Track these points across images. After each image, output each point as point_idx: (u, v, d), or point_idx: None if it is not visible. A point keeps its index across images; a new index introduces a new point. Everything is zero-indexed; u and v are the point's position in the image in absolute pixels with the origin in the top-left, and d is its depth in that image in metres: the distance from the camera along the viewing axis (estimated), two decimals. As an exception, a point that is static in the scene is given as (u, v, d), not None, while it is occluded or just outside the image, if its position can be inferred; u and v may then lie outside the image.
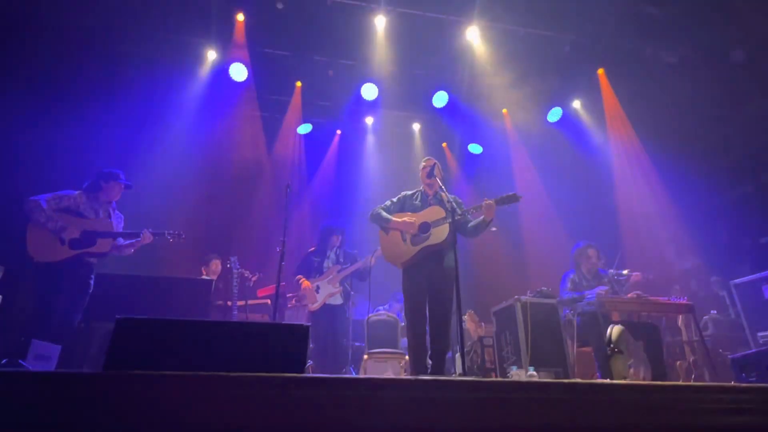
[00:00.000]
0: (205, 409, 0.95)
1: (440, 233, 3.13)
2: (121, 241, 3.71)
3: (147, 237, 3.67)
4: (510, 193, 3.09)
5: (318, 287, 4.43)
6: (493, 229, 3.24)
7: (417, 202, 3.42)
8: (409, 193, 3.53)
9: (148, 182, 5.60)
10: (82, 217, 3.49)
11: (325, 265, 4.56)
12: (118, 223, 3.73)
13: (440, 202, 3.28)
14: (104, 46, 5.40)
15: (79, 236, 3.40)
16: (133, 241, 3.69)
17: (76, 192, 3.55)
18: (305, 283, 4.44)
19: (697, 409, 1.18)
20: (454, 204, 3.04)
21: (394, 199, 3.52)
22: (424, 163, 3.48)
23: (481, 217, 3.16)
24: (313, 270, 4.55)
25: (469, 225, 3.27)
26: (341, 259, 4.59)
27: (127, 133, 5.79)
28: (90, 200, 3.57)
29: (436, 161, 3.45)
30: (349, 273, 4.50)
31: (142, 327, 1.38)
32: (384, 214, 3.38)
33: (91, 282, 3.53)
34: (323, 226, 4.77)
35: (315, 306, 4.37)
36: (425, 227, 3.22)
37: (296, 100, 6.55)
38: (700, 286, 5.91)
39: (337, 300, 4.45)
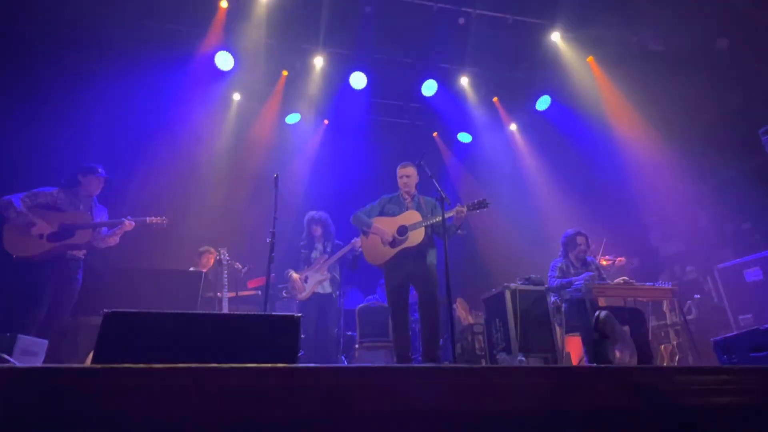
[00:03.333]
0: (195, 402, 0.95)
1: (417, 236, 3.33)
2: (105, 231, 3.66)
3: (128, 224, 3.63)
4: (480, 200, 3.32)
5: (306, 278, 4.42)
6: (462, 233, 3.44)
7: (395, 206, 3.59)
8: (387, 197, 3.70)
9: (134, 175, 5.52)
10: (60, 211, 3.47)
11: (313, 255, 4.54)
12: (99, 216, 3.68)
13: (417, 206, 3.50)
14: (88, 37, 5.24)
15: (57, 229, 3.38)
16: (116, 229, 3.65)
17: (54, 189, 3.52)
18: (294, 275, 4.44)
19: (681, 391, 1.21)
20: (430, 208, 3.37)
21: (375, 203, 3.68)
22: (401, 171, 3.65)
23: (452, 222, 3.32)
24: (301, 262, 4.54)
25: (442, 229, 3.40)
26: (329, 249, 4.58)
27: (111, 126, 5.65)
28: (69, 195, 3.54)
29: (413, 166, 3.62)
30: (337, 259, 4.49)
31: (131, 320, 1.37)
32: (365, 218, 3.54)
33: (79, 278, 3.49)
34: (306, 217, 4.72)
35: (303, 296, 4.36)
36: (402, 230, 3.40)
37: (279, 88, 6.44)
38: (683, 272, 6.04)
39: (326, 288, 4.44)
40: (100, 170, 3.67)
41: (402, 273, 3.34)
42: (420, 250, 3.33)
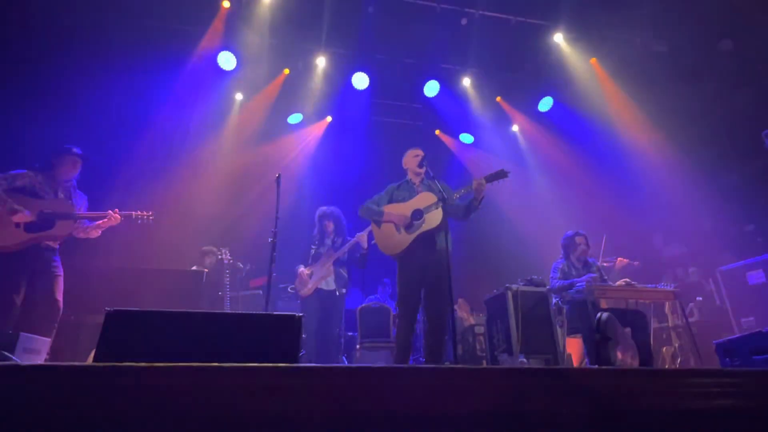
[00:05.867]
0: (196, 400, 0.95)
1: (434, 218, 3.13)
2: (86, 222, 3.45)
3: (113, 217, 3.40)
4: (498, 170, 3.12)
5: (312, 273, 4.32)
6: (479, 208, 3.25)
7: (404, 192, 3.42)
8: (395, 185, 3.53)
9: (135, 174, 5.53)
10: (39, 197, 3.20)
11: (321, 251, 4.44)
12: (80, 204, 3.46)
13: (429, 188, 3.31)
14: (89, 35, 5.25)
15: (35, 218, 3.10)
16: (100, 221, 3.41)
17: (27, 171, 3.25)
18: (302, 269, 4.33)
19: (683, 393, 1.21)
20: (443, 191, 3.08)
21: (382, 193, 3.51)
22: (415, 153, 3.47)
23: (472, 197, 3.17)
24: (310, 258, 4.44)
25: (460, 208, 3.28)
26: (337, 245, 4.46)
27: (112, 126, 5.67)
28: (47, 179, 3.28)
29: (425, 153, 3.48)
30: (343, 256, 4.36)
31: (133, 319, 1.37)
32: (375, 207, 3.36)
33: (57, 264, 3.26)
34: (317, 212, 4.61)
35: (305, 291, 4.23)
36: (418, 214, 3.21)
37: (280, 87, 6.40)
38: (686, 274, 6.02)
39: (330, 285, 4.30)
40: (74, 150, 3.40)
41: (419, 262, 3.13)
42: (438, 234, 3.13)
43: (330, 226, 4.49)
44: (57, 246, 3.31)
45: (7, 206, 3.04)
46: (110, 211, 3.42)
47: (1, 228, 3.03)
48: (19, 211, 3.05)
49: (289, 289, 4.51)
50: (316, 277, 4.28)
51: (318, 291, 4.26)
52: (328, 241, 4.48)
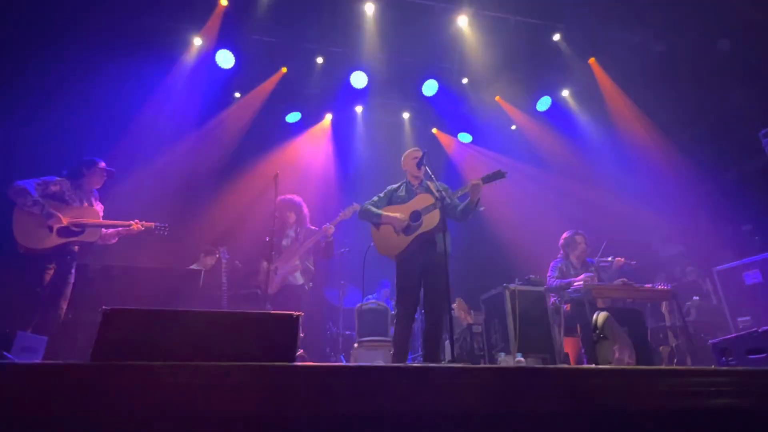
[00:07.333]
0: (194, 400, 0.95)
1: (431, 219, 3.14)
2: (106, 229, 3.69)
3: (136, 227, 3.67)
4: (495, 170, 3.11)
5: (277, 268, 4.07)
6: (482, 208, 3.24)
7: (402, 193, 3.43)
8: (394, 186, 3.54)
9: (133, 173, 5.51)
10: (69, 205, 3.42)
11: (284, 243, 4.21)
12: (99, 213, 3.69)
13: (427, 190, 3.31)
14: (87, 34, 5.23)
15: (67, 224, 3.33)
16: (119, 229, 3.66)
17: (58, 178, 3.47)
18: (265, 266, 4.04)
19: (679, 392, 1.21)
20: (442, 191, 3.08)
21: (381, 194, 3.51)
22: (414, 153, 3.47)
23: (469, 199, 3.18)
24: (272, 251, 4.11)
25: (458, 208, 3.28)
26: (300, 237, 4.24)
27: (110, 124, 5.65)
28: (74, 187, 3.50)
29: (425, 151, 3.45)
30: (309, 248, 4.14)
31: (130, 317, 1.37)
32: (374, 209, 3.36)
33: (73, 272, 3.46)
34: (277, 202, 4.22)
35: (273, 288, 4.02)
36: (416, 216, 3.22)
37: (276, 86, 6.37)
38: (683, 273, 6.04)
39: (298, 279, 4.09)
40: (103, 163, 3.67)
41: (418, 263, 3.15)
42: (436, 236, 3.14)
43: (291, 217, 4.26)
44: (77, 250, 3.49)
45: (44, 210, 3.23)
46: (133, 222, 3.67)
47: (37, 230, 3.23)
48: (55, 216, 3.26)
49: (257, 291, 4.30)
50: (283, 272, 4.06)
51: (286, 287, 4.05)
52: (291, 233, 4.24)
